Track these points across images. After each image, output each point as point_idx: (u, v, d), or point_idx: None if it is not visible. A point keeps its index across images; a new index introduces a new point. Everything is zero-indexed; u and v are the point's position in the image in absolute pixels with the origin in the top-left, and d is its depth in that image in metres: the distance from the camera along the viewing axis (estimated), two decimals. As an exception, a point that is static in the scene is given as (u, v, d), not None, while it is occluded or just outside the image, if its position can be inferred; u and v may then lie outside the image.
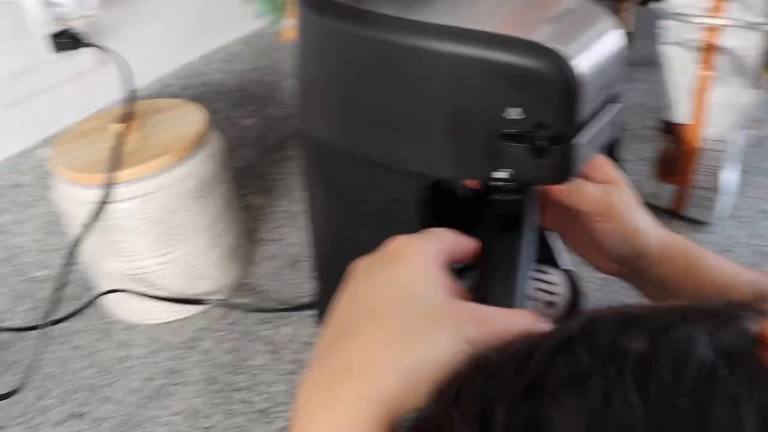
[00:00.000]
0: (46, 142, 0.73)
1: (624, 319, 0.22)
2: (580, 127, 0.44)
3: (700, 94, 0.72)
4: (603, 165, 0.53)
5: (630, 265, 0.53)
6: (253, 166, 0.98)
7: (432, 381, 0.31)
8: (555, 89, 0.41)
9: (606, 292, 0.70)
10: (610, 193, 0.51)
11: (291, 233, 0.83)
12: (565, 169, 0.44)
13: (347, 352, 0.33)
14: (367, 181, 0.52)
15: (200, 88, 0.88)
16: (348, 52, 0.48)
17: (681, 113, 0.74)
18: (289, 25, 0.92)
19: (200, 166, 0.67)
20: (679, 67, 0.73)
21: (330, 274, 0.63)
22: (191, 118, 0.70)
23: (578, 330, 0.22)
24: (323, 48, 0.50)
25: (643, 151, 0.93)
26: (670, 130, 0.77)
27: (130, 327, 0.71)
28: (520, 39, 0.41)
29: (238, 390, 0.62)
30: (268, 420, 0.59)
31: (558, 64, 0.41)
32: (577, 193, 0.50)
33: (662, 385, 0.19)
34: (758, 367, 0.19)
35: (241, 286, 0.75)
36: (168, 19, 0.85)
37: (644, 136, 0.98)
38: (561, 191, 0.50)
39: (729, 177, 0.77)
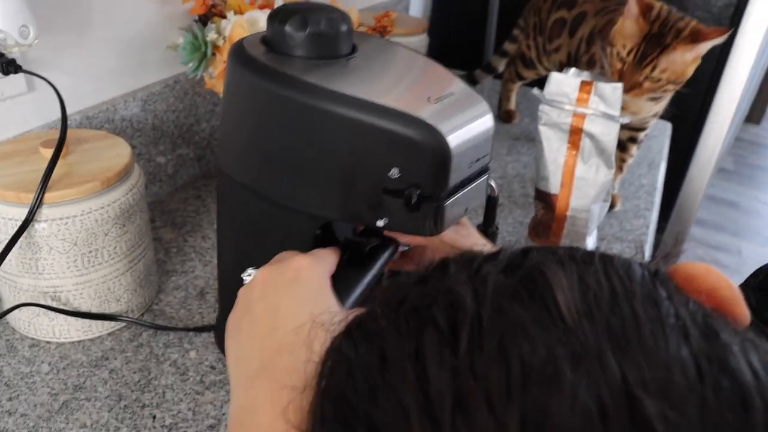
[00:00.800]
0: (-33, 161, 0.75)
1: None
2: (450, 190, 0.53)
3: (567, 169, 0.86)
4: None
5: None
6: (164, 201, 1.03)
7: None
8: (430, 157, 0.50)
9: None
10: (458, 232, 0.63)
11: (199, 267, 0.88)
12: (434, 224, 0.53)
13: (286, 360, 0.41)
14: (270, 217, 0.60)
15: (120, 123, 0.93)
16: (265, 105, 0.55)
17: (552, 184, 0.87)
18: (210, 75, 0.99)
19: (122, 196, 0.71)
20: (552, 145, 0.86)
21: (232, 300, 0.69)
22: (116, 151, 0.75)
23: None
24: (245, 99, 0.57)
25: (520, 216, 1.06)
26: (543, 198, 0.89)
27: (37, 344, 0.73)
28: (407, 113, 0.50)
29: (146, 406, 0.66)
30: (172, 434, 0.64)
31: (435, 137, 0.50)
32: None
33: (620, 276, 0.26)
34: (673, 286, 0.27)
35: (150, 312, 0.79)
36: (96, 56, 0.89)
37: (521, 202, 1.11)
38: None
39: (590, 241, 0.90)
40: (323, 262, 0.49)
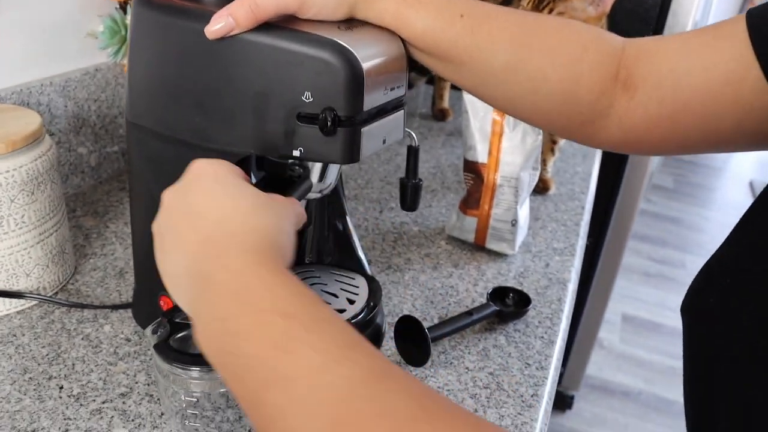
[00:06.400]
0: None
1: None
2: (366, 116, 0.52)
3: (494, 137, 0.85)
4: None
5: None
6: (87, 193, 0.99)
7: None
8: (342, 77, 0.49)
9: (398, 296, 0.78)
10: None
11: (120, 249, 0.84)
12: (351, 151, 0.52)
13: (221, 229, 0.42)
14: (183, 162, 0.57)
15: (36, 108, 0.89)
16: (171, 41, 0.54)
17: (480, 153, 0.87)
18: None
19: (30, 162, 0.68)
20: (478, 113, 0.86)
21: (147, 262, 0.66)
22: (27, 120, 0.72)
23: None
24: (150, 40, 0.56)
25: (453, 200, 1.06)
26: (472, 168, 0.89)
27: (-62, 324, 0.68)
28: (317, 35, 0.50)
29: (53, 378, 0.62)
30: (81, 404, 0.59)
31: (346, 56, 0.49)
32: None
33: None
34: None
35: (64, 291, 0.75)
36: (8, 39, 0.86)
37: (455, 188, 1.10)
38: None
39: (522, 212, 0.89)
40: (222, 162, 0.47)
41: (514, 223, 0.87)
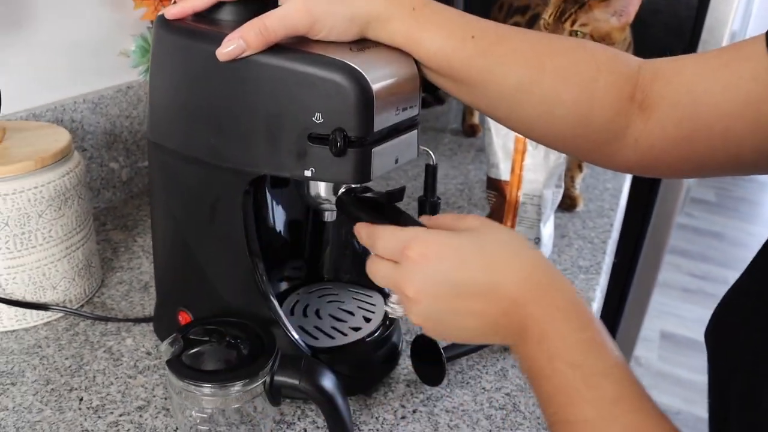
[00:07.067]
0: None
1: None
2: (377, 136, 0.52)
3: (517, 155, 0.85)
4: None
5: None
6: (117, 207, 1.01)
7: None
8: (352, 99, 0.49)
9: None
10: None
11: (146, 263, 0.86)
12: (362, 171, 0.52)
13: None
14: (199, 180, 0.59)
15: (70, 124, 0.92)
16: (186, 63, 0.56)
17: (503, 171, 0.86)
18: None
19: (58, 178, 0.70)
20: (501, 131, 0.86)
21: (167, 275, 0.67)
22: (55, 137, 0.74)
23: None
24: (169, 61, 0.58)
25: (480, 216, 1.05)
26: (495, 186, 0.88)
27: (-32, 335, 0.70)
28: (328, 57, 0.50)
29: (74, 390, 0.64)
30: (99, 416, 0.61)
31: (355, 77, 0.50)
32: None
33: None
34: None
35: (90, 303, 0.77)
36: (43, 57, 0.89)
37: (482, 204, 1.10)
38: None
39: (546, 230, 0.88)
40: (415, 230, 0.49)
41: (537, 241, 0.87)
